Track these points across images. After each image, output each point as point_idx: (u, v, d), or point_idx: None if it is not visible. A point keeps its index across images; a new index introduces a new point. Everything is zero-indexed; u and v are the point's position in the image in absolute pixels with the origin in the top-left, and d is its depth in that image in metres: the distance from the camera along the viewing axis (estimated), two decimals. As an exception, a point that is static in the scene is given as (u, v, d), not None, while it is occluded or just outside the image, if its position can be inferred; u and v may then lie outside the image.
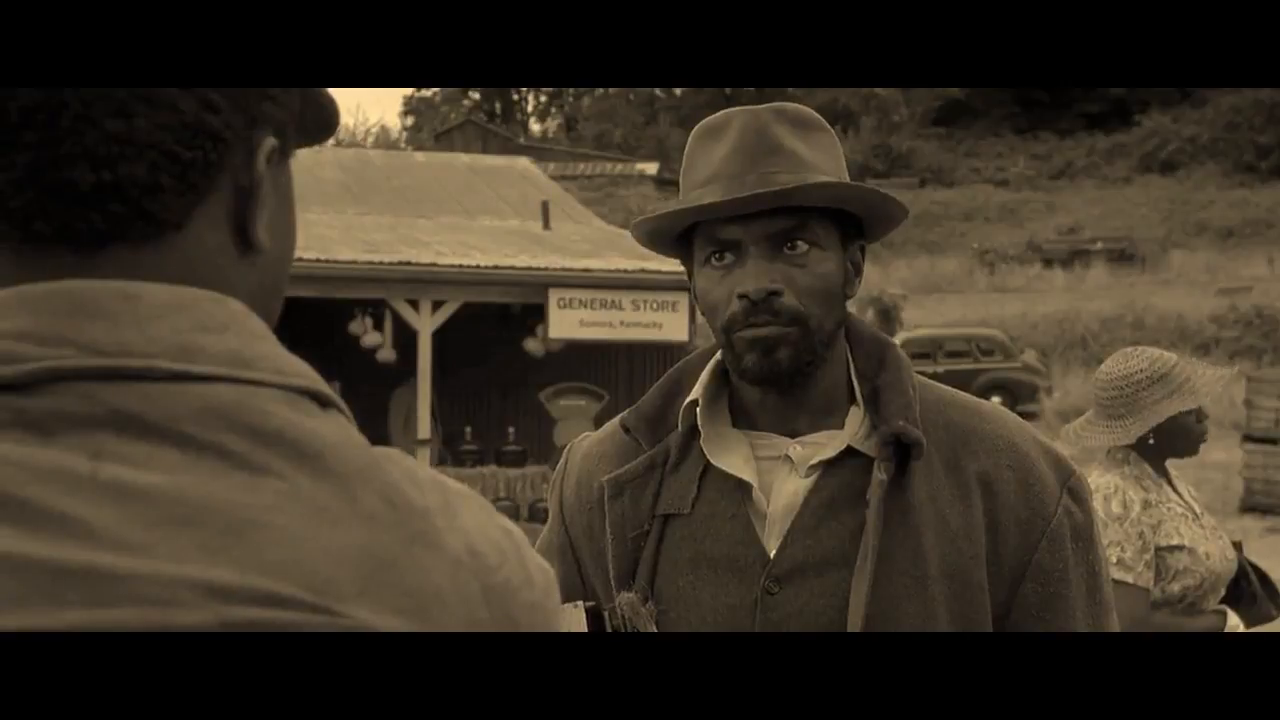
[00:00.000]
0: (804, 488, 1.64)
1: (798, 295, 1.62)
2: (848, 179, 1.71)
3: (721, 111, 1.72)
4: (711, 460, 1.67)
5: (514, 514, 13.02)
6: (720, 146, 1.67)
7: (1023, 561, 1.62)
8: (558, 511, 1.80)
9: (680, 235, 1.72)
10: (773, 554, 1.62)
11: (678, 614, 1.64)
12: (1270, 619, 3.52)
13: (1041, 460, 1.67)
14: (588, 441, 1.82)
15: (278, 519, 0.72)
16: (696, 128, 1.73)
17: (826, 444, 1.66)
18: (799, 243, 1.64)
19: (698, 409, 1.70)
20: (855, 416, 1.67)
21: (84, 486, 0.71)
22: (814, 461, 1.65)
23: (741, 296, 1.61)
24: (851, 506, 1.61)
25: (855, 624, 1.56)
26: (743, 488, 1.66)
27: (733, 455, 1.67)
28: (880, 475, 1.59)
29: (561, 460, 1.83)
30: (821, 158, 1.68)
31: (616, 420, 1.79)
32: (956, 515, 1.61)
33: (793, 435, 1.68)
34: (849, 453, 1.65)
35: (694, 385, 1.73)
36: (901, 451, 1.61)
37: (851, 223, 1.70)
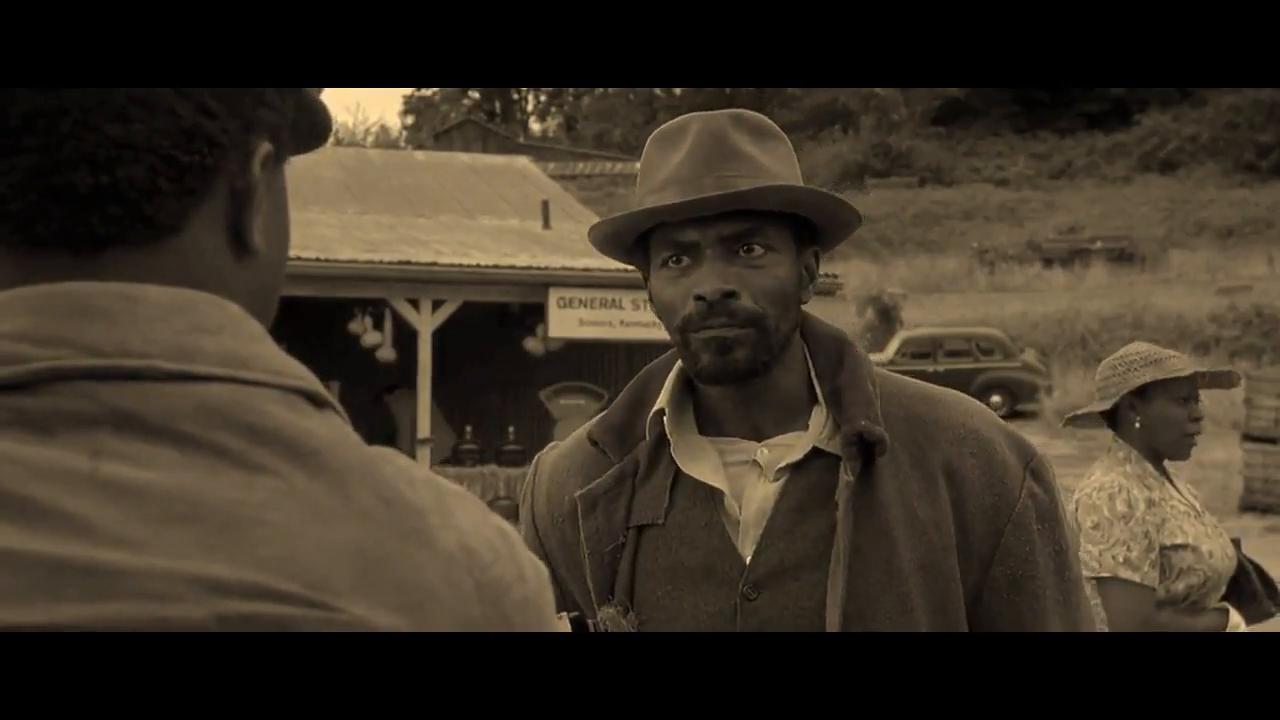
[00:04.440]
0: (774, 492, 1.66)
1: (754, 297, 1.64)
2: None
3: (678, 118, 1.73)
4: (682, 468, 1.68)
5: (513, 513, 13.00)
6: (677, 152, 1.69)
7: (991, 546, 1.64)
8: (530, 524, 1.81)
9: (637, 240, 1.73)
10: (748, 560, 1.64)
11: (659, 624, 1.65)
12: (1270, 616, 3.53)
13: (1004, 445, 1.68)
14: (554, 454, 1.82)
15: (274, 516, 0.73)
16: (654, 134, 1.75)
17: (793, 446, 1.67)
18: (754, 246, 1.65)
19: (664, 418, 1.71)
20: (819, 417, 1.68)
21: (84, 484, 0.72)
22: (782, 465, 1.66)
23: (698, 298, 1.63)
24: (822, 508, 1.63)
25: (833, 623, 1.57)
26: (714, 495, 1.67)
27: (702, 463, 1.68)
28: (847, 476, 1.61)
29: (530, 473, 1.83)
30: (777, 165, 1.69)
31: (582, 430, 1.79)
32: (925, 507, 1.63)
33: (758, 438, 1.69)
34: (816, 453, 1.66)
35: (659, 395, 1.73)
36: (866, 450, 1.62)
37: (805, 228, 1.71)
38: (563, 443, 1.83)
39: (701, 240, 1.65)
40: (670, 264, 1.67)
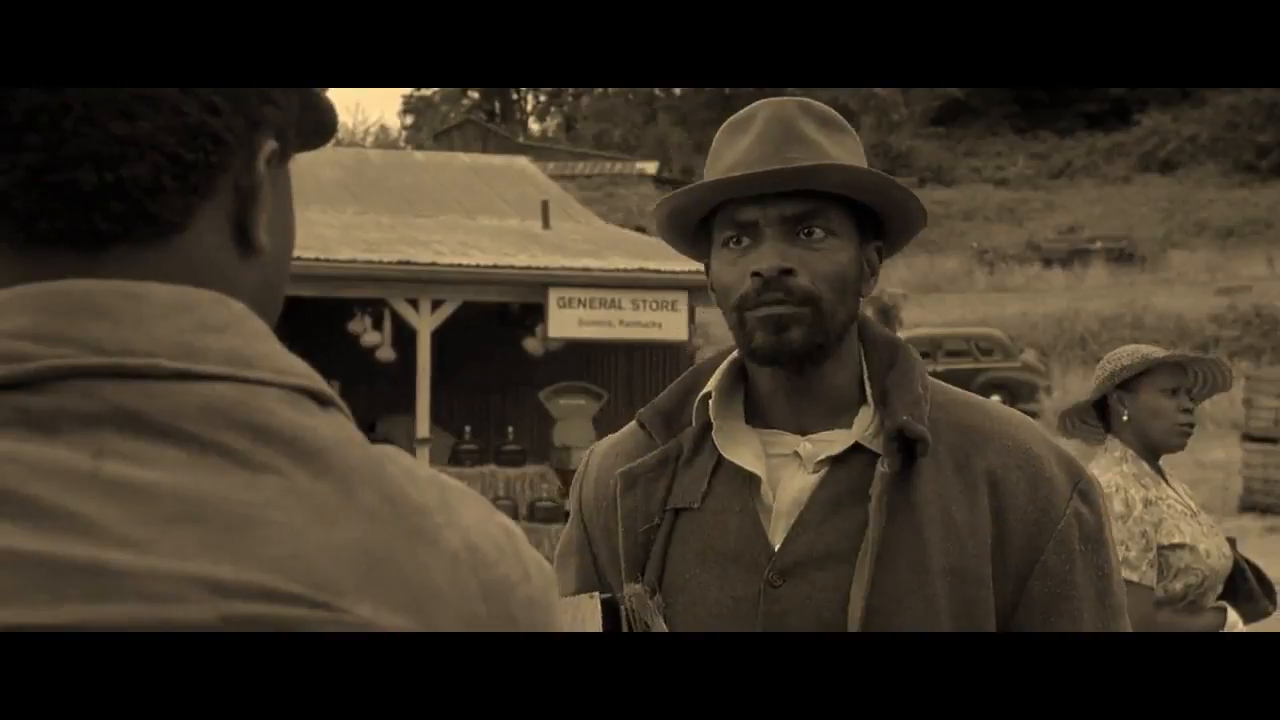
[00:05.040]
0: (811, 483, 1.66)
1: (811, 278, 1.63)
2: None
3: (747, 107, 1.73)
4: (722, 453, 1.68)
5: (513, 513, 13.02)
6: (745, 137, 1.69)
7: (1029, 562, 1.62)
8: (577, 510, 1.82)
9: (699, 226, 1.74)
10: (777, 547, 1.64)
11: (684, 606, 1.65)
12: (1267, 615, 3.53)
13: (1053, 462, 1.66)
14: (607, 442, 1.84)
15: (278, 516, 0.73)
16: (725, 123, 1.75)
17: (836, 441, 1.67)
18: (815, 229, 1.65)
19: (710, 402, 1.71)
20: (865, 415, 1.68)
21: (87, 484, 0.72)
22: (822, 457, 1.66)
23: (755, 274, 1.63)
24: (857, 502, 1.62)
25: (854, 617, 1.57)
26: (752, 482, 1.67)
27: (744, 449, 1.68)
28: (883, 469, 1.60)
29: (583, 461, 1.85)
30: (844, 155, 1.69)
31: (634, 422, 1.80)
32: (963, 512, 1.61)
33: (803, 433, 1.69)
34: (857, 450, 1.65)
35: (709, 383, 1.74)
36: (907, 447, 1.61)
37: (869, 220, 1.71)
38: (616, 433, 1.85)
39: (762, 219, 1.65)
40: (731, 245, 1.68)
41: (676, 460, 1.71)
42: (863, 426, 1.67)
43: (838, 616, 1.59)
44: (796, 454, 1.68)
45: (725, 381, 1.74)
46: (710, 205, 1.70)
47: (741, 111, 1.74)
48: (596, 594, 1.67)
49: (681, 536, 1.68)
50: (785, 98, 1.71)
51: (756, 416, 1.73)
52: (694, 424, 1.72)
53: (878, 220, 1.72)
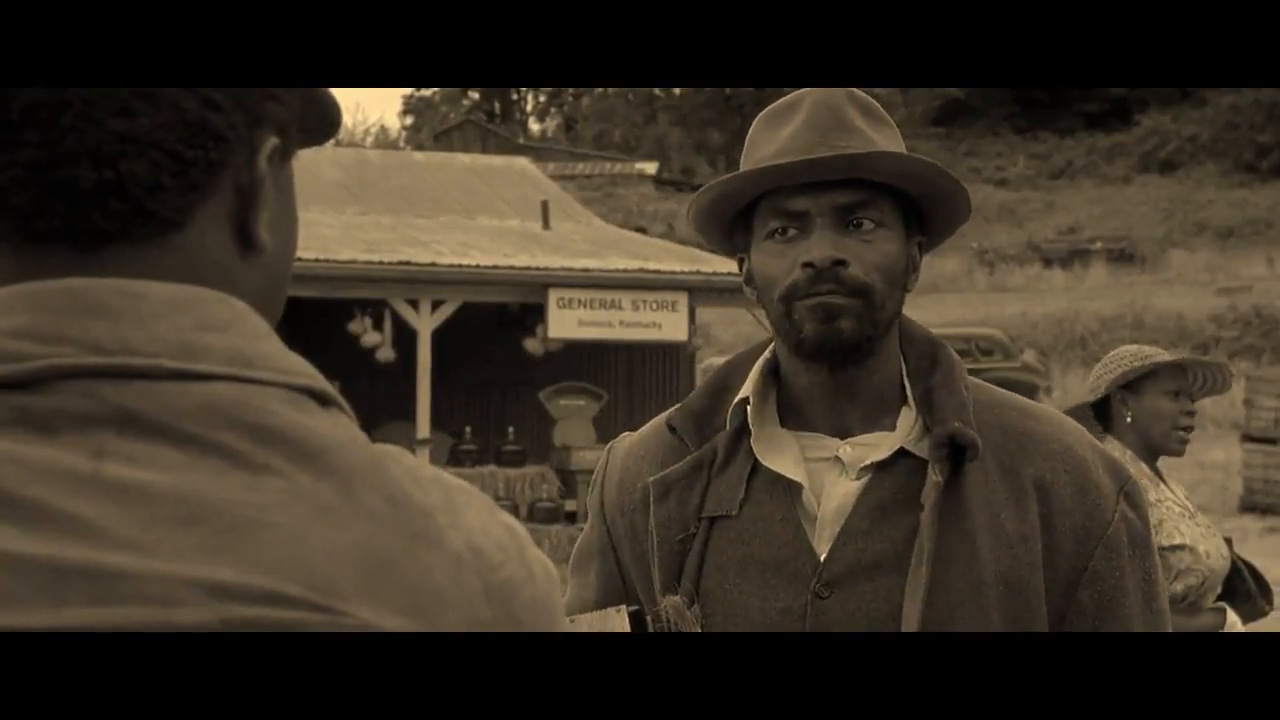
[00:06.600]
0: (855, 490, 1.60)
1: (863, 269, 1.58)
2: None
3: (789, 95, 1.68)
4: (761, 460, 1.63)
5: (513, 514, 13.01)
6: (788, 125, 1.64)
7: (1078, 568, 1.59)
8: (599, 511, 1.76)
9: (737, 216, 1.68)
10: (823, 557, 1.59)
11: (724, 618, 1.60)
12: (1263, 614, 3.54)
13: (1098, 465, 1.63)
14: (628, 441, 1.78)
15: (279, 518, 0.72)
16: (762, 112, 1.70)
17: (878, 445, 1.62)
18: (865, 221, 1.61)
19: (748, 407, 1.66)
20: (907, 418, 1.63)
21: (86, 485, 0.71)
22: (866, 463, 1.61)
23: (806, 265, 1.58)
24: (904, 509, 1.58)
25: (910, 629, 1.52)
26: (792, 489, 1.62)
27: (782, 456, 1.63)
28: (935, 477, 1.55)
29: (602, 460, 1.79)
30: (889, 145, 1.65)
31: (661, 419, 1.74)
32: (1012, 520, 1.58)
33: (843, 435, 1.64)
34: (901, 454, 1.61)
35: (743, 384, 1.68)
36: (956, 453, 1.57)
37: (914, 213, 1.67)
38: (638, 431, 1.78)
39: (812, 209, 1.59)
40: (776, 236, 1.62)
41: (710, 466, 1.65)
42: (905, 430, 1.62)
43: (889, 628, 1.54)
44: (837, 458, 1.63)
45: (759, 384, 1.67)
46: (754, 194, 1.64)
47: (782, 100, 1.68)
48: (624, 608, 1.61)
49: (718, 545, 1.62)
50: (829, 88, 1.65)
51: (792, 418, 1.67)
52: (729, 427, 1.66)
53: (919, 214, 1.68)
